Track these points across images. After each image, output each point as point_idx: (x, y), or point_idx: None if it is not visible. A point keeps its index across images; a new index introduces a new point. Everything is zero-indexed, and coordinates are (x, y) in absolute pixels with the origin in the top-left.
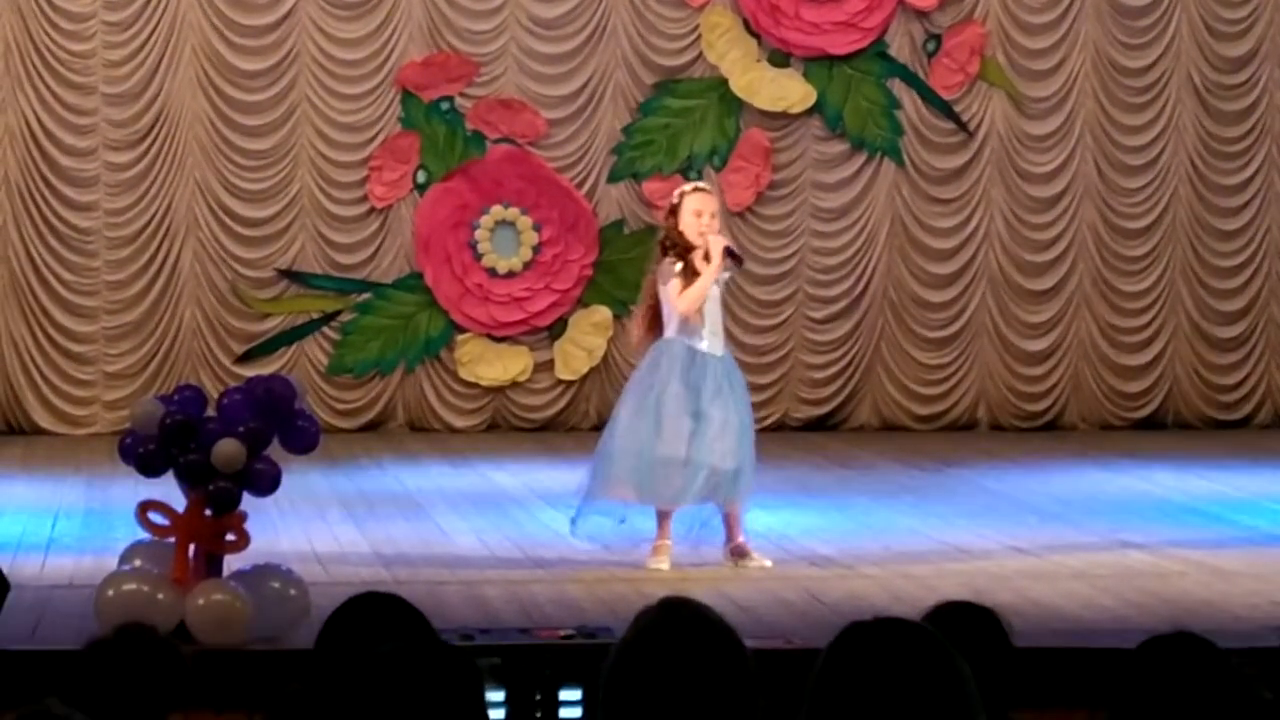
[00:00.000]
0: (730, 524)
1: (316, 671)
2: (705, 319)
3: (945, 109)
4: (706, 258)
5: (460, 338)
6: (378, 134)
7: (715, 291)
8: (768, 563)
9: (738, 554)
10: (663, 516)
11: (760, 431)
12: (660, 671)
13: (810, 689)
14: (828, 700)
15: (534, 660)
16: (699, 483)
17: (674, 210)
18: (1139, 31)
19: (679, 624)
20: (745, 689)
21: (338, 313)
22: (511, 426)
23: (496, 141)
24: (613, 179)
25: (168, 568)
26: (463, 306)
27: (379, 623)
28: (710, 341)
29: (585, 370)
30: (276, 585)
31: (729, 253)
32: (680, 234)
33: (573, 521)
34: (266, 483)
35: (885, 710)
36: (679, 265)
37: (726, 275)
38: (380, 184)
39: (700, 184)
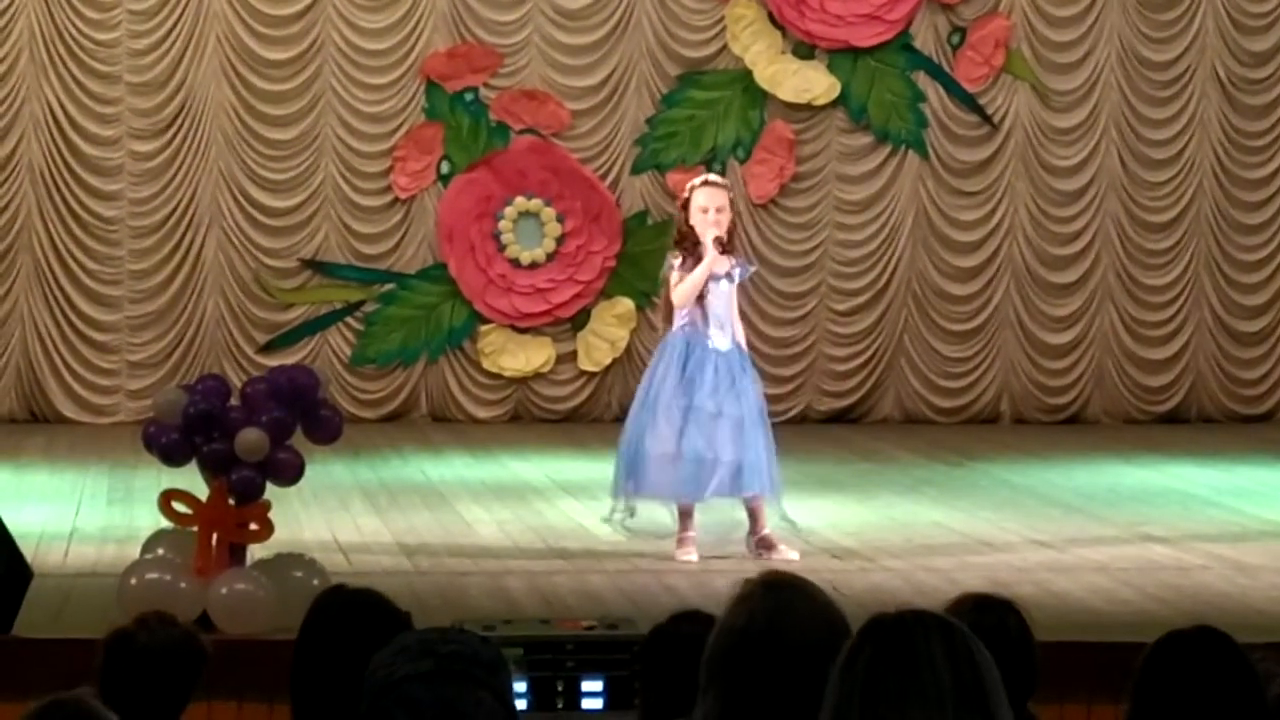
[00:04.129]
0: (754, 516)
1: (305, 668)
2: (709, 314)
3: (970, 102)
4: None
5: (483, 329)
6: (402, 124)
7: (726, 287)
8: (794, 555)
9: (762, 546)
10: (684, 509)
11: (782, 424)
12: (774, 648)
13: (833, 681)
14: (850, 693)
15: (556, 651)
16: (692, 475)
17: (684, 205)
18: (1164, 25)
19: (790, 601)
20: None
21: (361, 303)
22: (534, 417)
23: (520, 132)
24: (636, 170)
25: (190, 557)
26: (486, 297)
27: (355, 619)
28: (716, 336)
29: (608, 361)
30: (299, 575)
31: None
32: (691, 228)
33: (607, 518)
34: (289, 472)
35: (907, 703)
36: (679, 260)
37: (752, 269)
38: (404, 174)
39: (711, 177)
